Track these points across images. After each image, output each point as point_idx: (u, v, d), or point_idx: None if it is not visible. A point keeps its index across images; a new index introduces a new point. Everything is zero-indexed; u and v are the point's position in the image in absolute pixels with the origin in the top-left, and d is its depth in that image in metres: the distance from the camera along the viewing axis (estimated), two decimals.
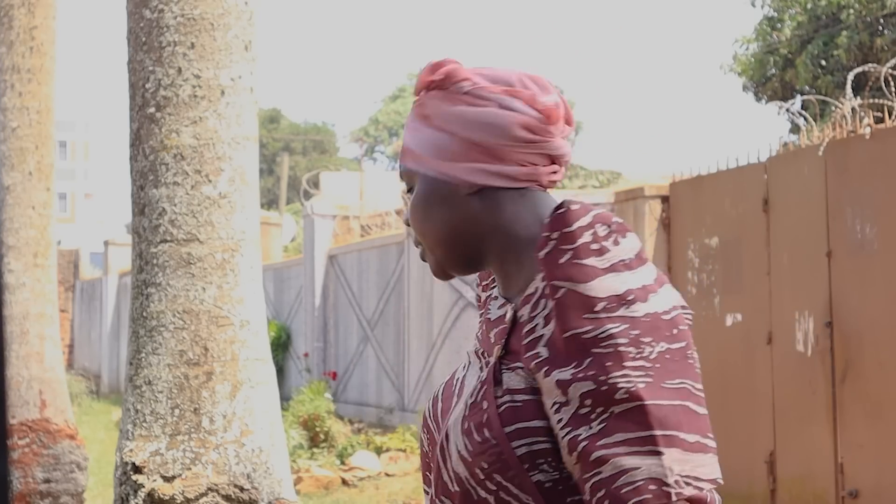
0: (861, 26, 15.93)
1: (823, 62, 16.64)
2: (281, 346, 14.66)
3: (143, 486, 4.19)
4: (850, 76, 8.21)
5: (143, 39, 4.44)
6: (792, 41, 17.30)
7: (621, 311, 1.36)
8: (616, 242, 1.40)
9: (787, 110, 11.99)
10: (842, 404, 7.16)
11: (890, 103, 7.35)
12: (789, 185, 7.73)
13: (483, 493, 1.44)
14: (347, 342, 13.12)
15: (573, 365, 1.37)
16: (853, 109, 7.53)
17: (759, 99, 18.40)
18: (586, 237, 1.40)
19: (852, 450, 7.06)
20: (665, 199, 9.08)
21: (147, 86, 4.42)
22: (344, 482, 10.02)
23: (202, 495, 4.19)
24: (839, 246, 7.22)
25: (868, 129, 7.12)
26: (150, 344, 4.34)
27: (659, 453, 1.32)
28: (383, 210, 14.10)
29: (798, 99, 16.86)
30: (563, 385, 1.37)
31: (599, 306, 1.36)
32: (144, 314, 4.37)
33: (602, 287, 1.37)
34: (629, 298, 1.37)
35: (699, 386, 1.37)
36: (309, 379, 13.29)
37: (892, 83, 7.67)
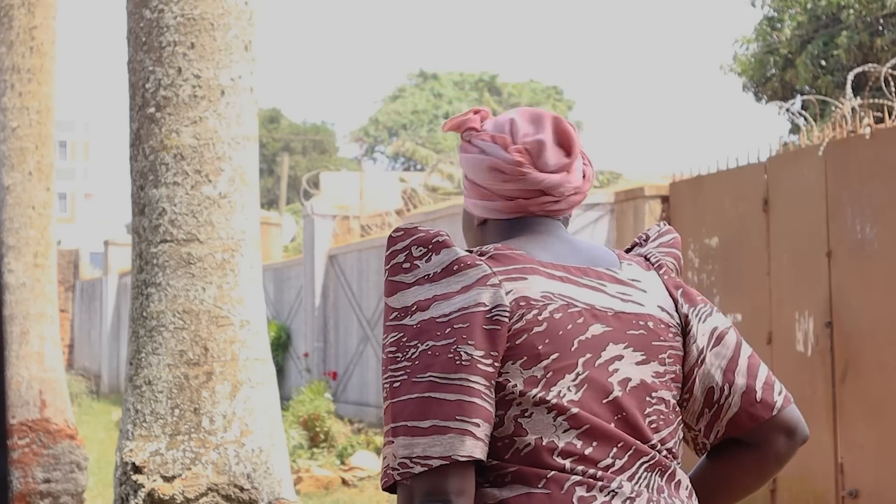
0: (861, 26, 15.93)
1: (823, 62, 16.64)
2: (281, 346, 14.65)
3: (143, 486, 4.19)
4: (850, 76, 8.21)
5: (143, 39, 4.44)
6: (792, 41, 17.30)
7: (403, 321, 1.65)
8: (428, 260, 1.69)
9: (787, 110, 11.99)
10: (842, 404, 7.16)
11: (890, 103, 7.35)
12: (789, 185, 7.73)
13: None
14: (347, 342, 13.12)
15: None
16: (853, 109, 7.53)
17: (759, 99, 18.39)
18: (399, 258, 1.70)
19: (852, 450, 7.07)
20: (665, 199, 9.08)
21: (147, 86, 4.42)
22: (344, 482, 10.02)
23: (202, 495, 4.19)
24: (839, 246, 7.22)
25: (868, 129, 7.12)
26: (150, 344, 4.34)
27: (391, 442, 1.61)
28: (383, 210, 14.10)
29: (798, 99, 16.87)
30: None
31: (391, 317, 1.67)
32: (144, 314, 4.37)
33: (398, 300, 1.67)
34: (412, 309, 1.65)
35: (453, 376, 1.59)
36: (309, 379, 13.28)
37: (892, 83, 7.67)
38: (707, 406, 1.81)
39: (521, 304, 1.67)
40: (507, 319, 1.65)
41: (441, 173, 19.99)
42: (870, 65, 10.20)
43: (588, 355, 1.69)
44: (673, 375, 1.78)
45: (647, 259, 1.88)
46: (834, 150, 7.31)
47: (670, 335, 1.79)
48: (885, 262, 6.89)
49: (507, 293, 1.67)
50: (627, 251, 1.92)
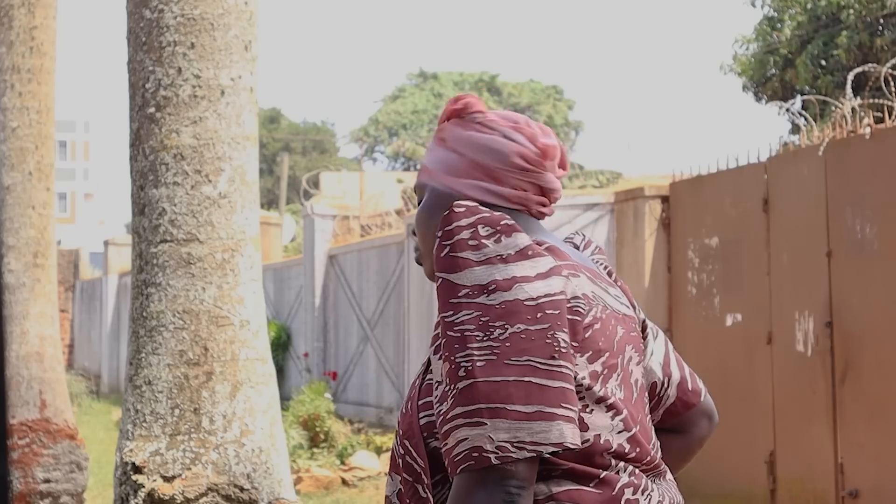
0: (861, 26, 15.93)
1: (823, 62, 16.64)
2: (281, 346, 14.65)
3: (143, 486, 4.19)
4: (850, 76, 8.21)
5: (143, 39, 4.44)
6: (792, 41, 17.29)
7: (479, 300, 1.55)
8: (498, 241, 1.60)
9: (787, 110, 11.98)
10: (842, 404, 7.15)
11: (890, 103, 7.34)
12: (789, 185, 7.73)
13: (398, 458, 1.71)
14: (347, 342, 13.12)
15: (440, 346, 1.59)
16: (853, 109, 7.53)
17: (759, 99, 18.39)
18: (464, 234, 1.60)
19: (852, 450, 7.06)
20: (665, 199, 9.08)
21: (147, 86, 4.42)
22: (344, 482, 10.02)
23: (202, 495, 4.19)
24: (839, 246, 7.22)
25: (868, 129, 7.12)
26: (150, 344, 4.34)
27: (482, 424, 1.51)
28: (383, 210, 14.10)
29: (798, 99, 16.86)
30: (436, 365, 1.63)
31: (461, 293, 1.57)
32: (144, 314, 4.37)
33: (468, 277, 1.57)
34: (490, 288, 1.56)
35: (552, 362, 1.54)
36: (309, 379, 13.28)
37: (892, 83, 7.67)
38: (650, 399, 1.86)
39: (584, 300, 1.66)
40: (584, 311, 1.64)
41: None
42: (870, 65, 10.20)
43: (621, 355, 1.72)
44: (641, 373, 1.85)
45: (594, 257, 1.95)
46: (834, 150, 7.31)
47: (642, 337, 1.87)
48: (885, 262, 6.88)
49: (574, 287, 1.65)
50: None
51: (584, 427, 1.62)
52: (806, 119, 8.97)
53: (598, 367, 1.66)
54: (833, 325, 7.24)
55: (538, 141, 1.76)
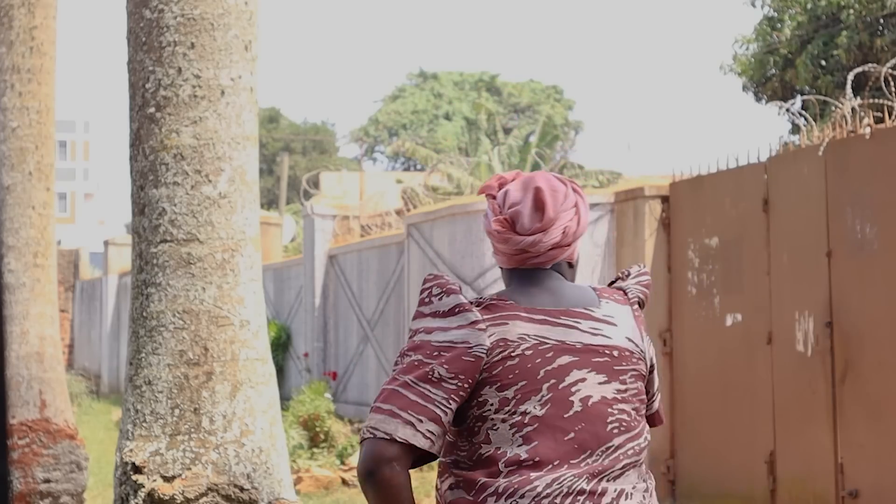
0: (861, 26, 15.93)
1: (823, 62, 16.63)
2: (281, 346, 14.65)
3: (143, 486, 4.19)
4: (850, 76, 8.21)
5: (143, 39, 4.44)
6: (792, 41, 17.30)
7: (412, 338, 2.24)
8: (440, 299, 2.26)
9: (787, 110, 11.98)
10: (842, 404, 7.15)
11: (890, 103, 7.34)
12: (789, 185, 7.73)
13: None
14: (347, 342, 13.12)
15: None
16: (853, 109, 7.53)
17: (759, 99, 18.39)
18: (424, 294, 2.28)
19: (852, 450, 7.06)
20: (665, 199, 9.08)
21: (147, 86, 4.42)
22: (344, 482, 10.02)
23: (202, 495, 4.19)
24: (839, 246, 7.22)
25: (868, 129, 7.12)
26: (150, 344, 4.34)
27: (370, 415, 2.19)
28: (383, 210, 14.10)
29: (798, 99, 16.86)
30: None
31: (409, 334, 2.26)
32: (144, 314, 4.37)
33: (415, 323, 2.26)
34: (420, 331, 2.24)
35: (420, 383, 2.17)
36: (309, 379, 13.28)
37: (892, 83, 7.67)
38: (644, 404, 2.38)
39: (500, 343, 2.21)
40: (483, 356, 2.20)
41: (441, 173, 19.98)
42: (870, 65, 10.20)
43: (553, 381, 2.21)
44: (635, 391, 2.30)
45: (625, 293, 2.40)
46: (834, 150, 7.30)
47: (634, 360, 2.30)
48: (885, 262, 6.88)
49: (489, 336, 2.21)
50: (612, 283, 2.46)
51: (487, 440, 2.21)
52: (806, 119, 8.98)
53: (509, 393, 2.21)
54: (833, 325, 7.24)
55: (499, 215, 2.33)
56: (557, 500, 2.14)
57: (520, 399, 2.19)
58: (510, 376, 2.20)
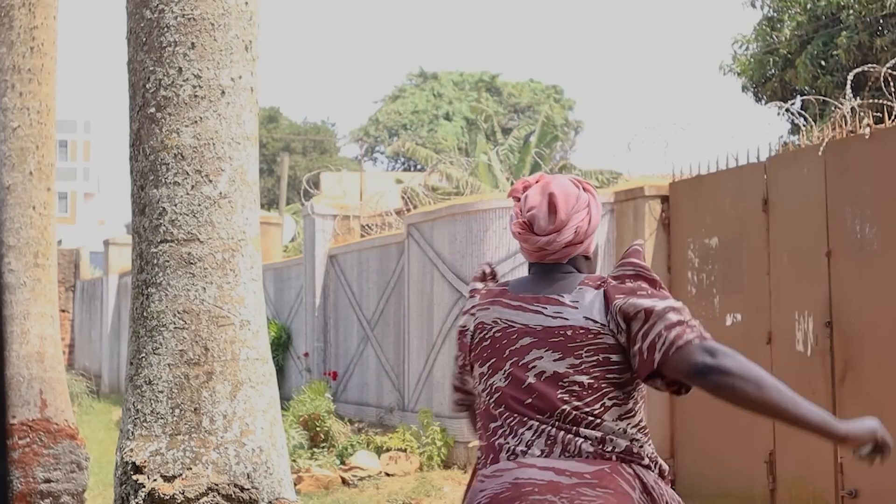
0: (861, 26, 15.93)
1: (823, 62, 16.64)
2: (281, 346, 14.65)
3: (144, 486, 4.19)
4: (850, 76, 8.21)
5: (144, 39, 4.44)
6: (792, 41, 17.30)
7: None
8: (471, 296, 2.86)
9: (787, 110, 11.98)
10: (842, 404, 7.16)
11: (889, 103, 7.35)
12: (789, 185, 7.73)
13: None
14: (347, 342, 13.12)
15: None
16: (853, 109, 7.54)
17: (758, 99, 18.40)
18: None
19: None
20: (665, 199, 9.08)
21: (147, 86, 4.42)
22: (344, 482, 10.02)
23: (202, 495, 4.19)
24: (839, 246, 7.22)
25: (868, 130, 7.13)
26: (150, 344, 4.34)
27: None
28: (383, 210, 14.10)
29: (798, 99, 16.87)
30: None
31: None
32: (145, 314, 4.37)
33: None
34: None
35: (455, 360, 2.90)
36: (309, 379, 13.28)
37: (891, 83, 7.67)
38: (619, 376, 2.69)
39: (479, 326, 2.75)
40: (469, 337, 2.79)
41: (440, 173, 19.97)
42: (869, 65, 10.20)
43: (515, 359, 2.67)
44: (593, 363, 2.61)
45: (605, 280, 2.66)
46: (834, 150, 7.31)
47: (590, 336, 2.61)
48: (884, 262, 6.89)
49: (475, 320, 2.77)
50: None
51: (479, 405, 2.78)
52: (806, 119, 8.98)
53: (484, 368, 2.73)
54: (833, 325, 7.24)
55: (519, 219, 2.72)
56: (513, 447, 2.64)
57: (490, 374, 2.72)
58: (485, 354, 2.73)
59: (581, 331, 2.60)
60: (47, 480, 6.73)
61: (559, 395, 2.60)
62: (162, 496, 4.17)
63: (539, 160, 21.32)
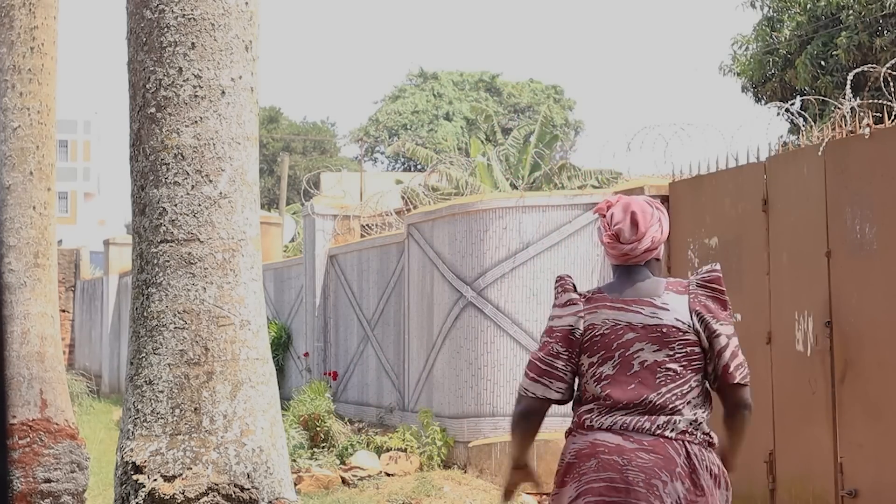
0: (860, 27, 15.93)
1: (823, 62, 16.64)
2: (281, 346, 14.65)
3: (144, 486, 4.19)
4: (850, 76, 8.22)
5: (144, 39, 4.45)
6: (791, 41, 17.30)
7: (548, 323, 3.52)
8: (559, 296, 3.51)
9: (787, 111, 11.99)
10: (841, 404, 7.16)
11: (889, 103, 7.35)
12: (789, 185, 7.74)
13: None
14: (347, 342, 13.12)
15: None
16: (853, 109, 7.54)
17: (758, 99, 18.40)
18: (555, 292, 3.57)
19: (852, 449, 7.07)
20: (665, 199, 9.09)
21: (148, 86, 4.43)
22: (344, 482, 10.02)
23: (203, 495, 4.20)
24: (839, 246, 7.23)
25: (867, 130, 7.13)
26: (150, 344, 4.35)
27: (523, 378, 3.53)
28: (383, 210, 14.10)
29: (798, 99, 16.87)
30: None
31: (548, 321, 3.55)
32: (145, 314, 4.38)
33: (550, 313, 3.52)
34: (550, 318, 3.51)
35: (548, 357, 3.48)
36: (309, 379, 13.28)
37: (891, 83, 7.68)
38: (711, 368, 3.51)
39: (590, 327, 3.46)
40: (579, 336, 3.46)
41: (441, 173, 19.97)
42: (869, 65, 10.20)
43: (622, 350, 3.42)
44: (683, 354, 3.43)
45: (687, 286, 3.50)
46: (833, 150, 7.31)
47: (680, 334, 3.42)
48: (884, 262, 6.89)
49: (585, 322, 3.47)
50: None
51: (584, 389, 3.48)
52: (805, 119, 8.98)
53: (595, 359, 3.44)
54: (832, 325, 7.24)
55: (607, 231, 3.50)
56: (606, 422, 3.43)
57: (599, 363, 3.44)
58: (595, 348, 3.44)
59: (673, 329, 3.42)
60: (47, 480, 6.73)
61: (657, 380, 3.41)
62: (162, 496, 4.17)
63: (539, 160, 21.32)
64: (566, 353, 3.44)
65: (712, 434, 3.52)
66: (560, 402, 3.48)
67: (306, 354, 13.73)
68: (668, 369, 3.39)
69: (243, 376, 4.35)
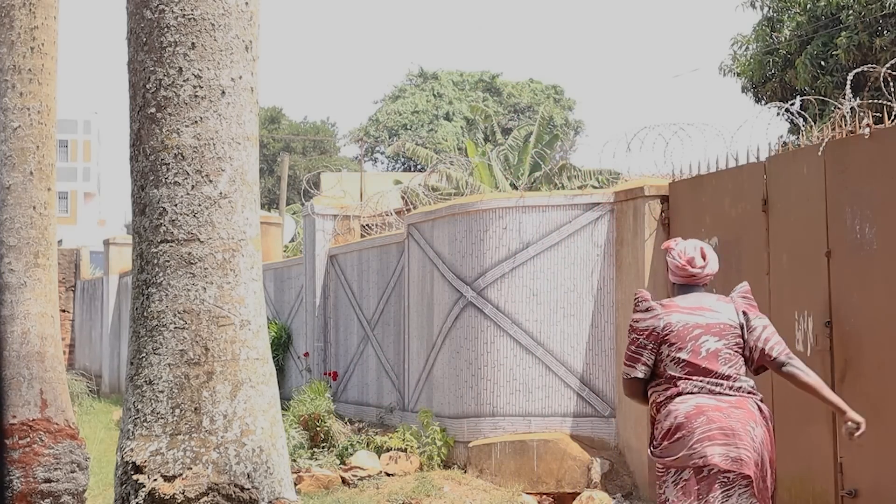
0: (860, 27, 15.93)
1: (823, 62, 16.64)
2: (281, 346, 14.65)
3: (144, 486, 4.19)
4: (850, 76, 8.21)
5: (144, 40, 4.45)
6: (791, 42, 17.30)
7: (633, 325, 4.96)
8: (640, 304, 4.94)
9: (787, 110, 11.99)
10: None
11: (889, 103, 7.35)
12: (789, 185, 7.74)
13: None
14: (348, 342, 13.13)
15: None
16: (852, 109, 7.54)
17: (758, 100, 18.40)
18: (635, 302, 5.01)
19: (852, 449, 7.07)
20: (665, 199, 9.09)
21: (148, 86, 4.43)
22: (344, 482, 10.03)
23: (203, 495, 4.20)
24: (839, 246, 7.23)
25: (867, 130, 7.13)
26: (150, 344, 4.35)
27: (623, 365, 5.06)
28: (383, 210, 14.10)
29: (798, 99, 16.87)
30: None
31: (630, 323, 5.02)
32: (145, 314, 4.38)
33: (632, 318, 5.00)
34: (634, 321, 4.96)
35: (636, 349, 4.92)
36: (309, 379, 13.29)
37: (891, 83, 7.68)
38: (748, 352, 4.86)
39: (667, 325, 4.81)
40: (659, 332, 4.82)
41: (441, 173, 19.97)
42: (869, 65, 10.20)
43: (692, 342, 4.78)
44: (734, 343, 4.81)
45: (732, 298, 4.93)
46: (833, 150, 7.32)
47: (730, 329, 4.82)
48: (884, 262, 6.89)
49: (663, 322, 4.82)
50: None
51: (663, 370, 4.83)
52: (805, 119, 8.98)
53: (672, 349, 4.79)
54: (832, 325, 7.25)
55: (680, 262, 4.91)
56: (695, 390, 4.77)
57: (676, 351, 4.81)
58: (672, 341, 4.81)
59: (727, 325, 4.85)
60: (48, 480, 6.73)
61: (718, 361, 4.80)
62: (162, 496, 4.17)
63: (539, 160, 21.32)
64: (650, 346, 4.84)
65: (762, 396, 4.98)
66: (643, 380, 4.89)
67: (306, 354, 13.73)
68: (725, 352, 4.82)
69: (243, 376, 4.35)
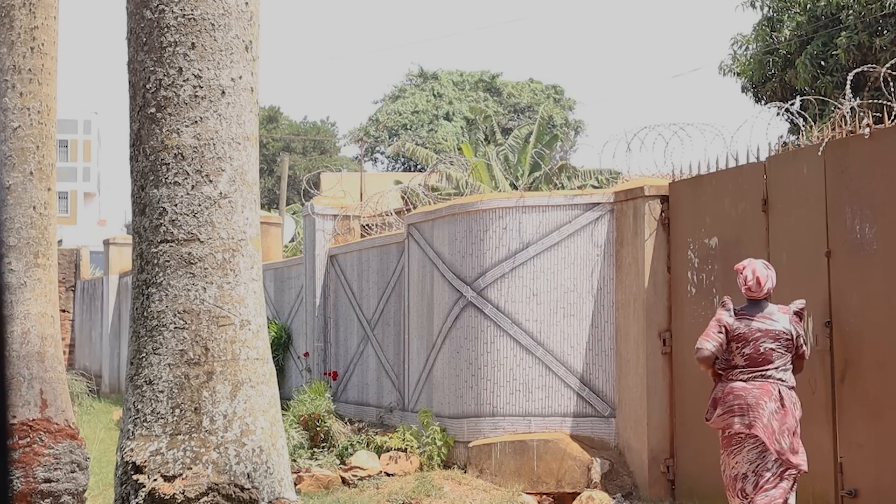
0: (860, 27, 15.93)
1: (823, 62, 16.64)
2: (281, 346, 14.65)
3: (144, 486, 4.20)
4: (850, 76, 8.21)
5: (144, 40, 4.45)
6: (791, 41, 17.30)
7: (717, 317, 6.67)
8: (723, 305, 6.67)
9: (787, 110, 11.98)
10: (841, 404, 7.17)
11: (889, 103, 7.35)
12: (789, 185, 7.74)
13: None
14: (348, 342, 13.12)
15: None
16: (852, 110, 7.54)
17: (758, 99, 18.39)
18: (720, 304, 6.77)
19: (852, 449, 7.08)
20: (665, 199, 9.09)
21: (148, 86, 4.43)
22: (344, 482, 10.03)
23: (203, 495, 4.20)
24: (838, 246, 7.23)
25: (867, 130, 7.13)
26: (150, 344, 4.35)
27: (700, 339, 6.72)
28: (383, 210, 14.10)
29: (798, 99, 16.86)
30: None
31: (716, 315, 6.75)
32: (145, 314, 4.38)
33: (717, 314, 6.71)
34: (719, 314, 6.65)
35: (714, 331, 6.59)
36: (309, 379, 13.29)
37: (891, 83, 7.68)
38: (791, 350, 6.59)
39: (737, 326, 6.53)
40: (729, 327, 6.55)
41: (441, 173, 19.97)
42: (869, 65, 10.19)
43: (754, 342, 6.49)
44: (786, 345, 6.48)
45: (790, 309, 6.60)
46: (833, 150, 7.31)
47: (784, 335, 6.49)
48: (884, 262, 6.89)
49: (735, 322, 6.55)
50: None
51: (731, 359, 6.57)
52: (805, 119, 8.97)
53: (740, 344, 6.51)
54: (832, 325, 7.25)
55: (746, 284, 6.59)
56: (752, 376, 6.46)
57: (741, 347, 6.47)
58: (739, 338, 6.47)
59: (781, 332, 6.44)
60: (48, 480, 6.73)
61: (772, 357, 6.42)
62: (162, 496, 4.17)
63: (539, 160, 21.32)
64: (723, 331, 6.48)
65: (793, 383, 6.50)
66: (711, 352, 6.48)
67: (306, 354, 13.73)
68: (778, 353, 6.43)
69: (243, 376, 4.35)
